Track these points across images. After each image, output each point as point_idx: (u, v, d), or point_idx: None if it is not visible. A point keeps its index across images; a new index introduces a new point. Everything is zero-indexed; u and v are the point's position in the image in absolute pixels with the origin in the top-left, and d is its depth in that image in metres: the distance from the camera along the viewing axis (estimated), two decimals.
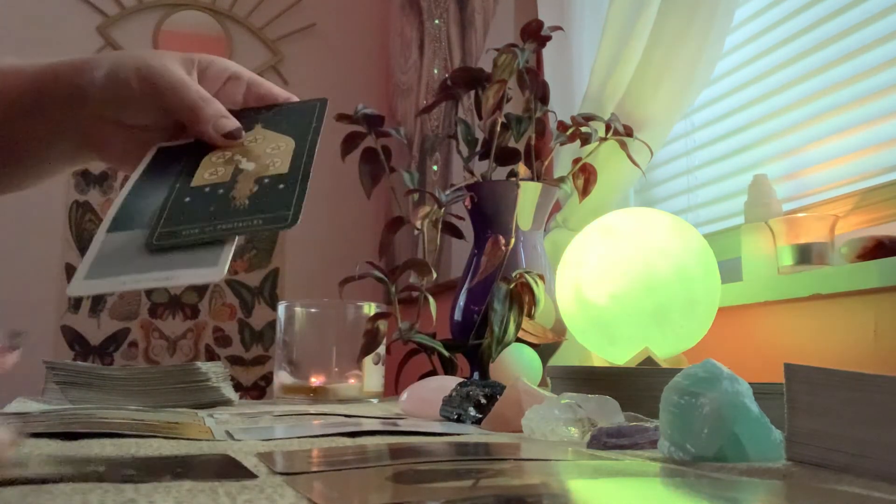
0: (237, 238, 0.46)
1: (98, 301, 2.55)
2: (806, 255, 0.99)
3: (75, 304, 2.52)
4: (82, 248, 2.54)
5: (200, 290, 2.64)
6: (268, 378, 2.62)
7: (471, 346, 1.11)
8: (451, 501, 0.30)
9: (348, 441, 0.54)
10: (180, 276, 0.44)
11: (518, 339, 1.04)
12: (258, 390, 2.64)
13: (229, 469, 0.39)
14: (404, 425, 0.66)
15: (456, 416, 0.71)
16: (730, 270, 1.10)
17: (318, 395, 1.06)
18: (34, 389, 0.98)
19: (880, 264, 0.87)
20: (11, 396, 0.95)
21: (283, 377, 1.09)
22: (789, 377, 0.42)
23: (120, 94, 0.55)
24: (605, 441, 0.51)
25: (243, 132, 0.55)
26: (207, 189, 0.50)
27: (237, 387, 1.11)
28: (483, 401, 0.70)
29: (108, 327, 2.55)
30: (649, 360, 0.95)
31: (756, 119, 1.25)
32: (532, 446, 0.52)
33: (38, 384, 0.91)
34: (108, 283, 0.45)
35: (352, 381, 1.08)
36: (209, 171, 0.52)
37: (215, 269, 0.44)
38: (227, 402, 0.92)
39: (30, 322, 2.45)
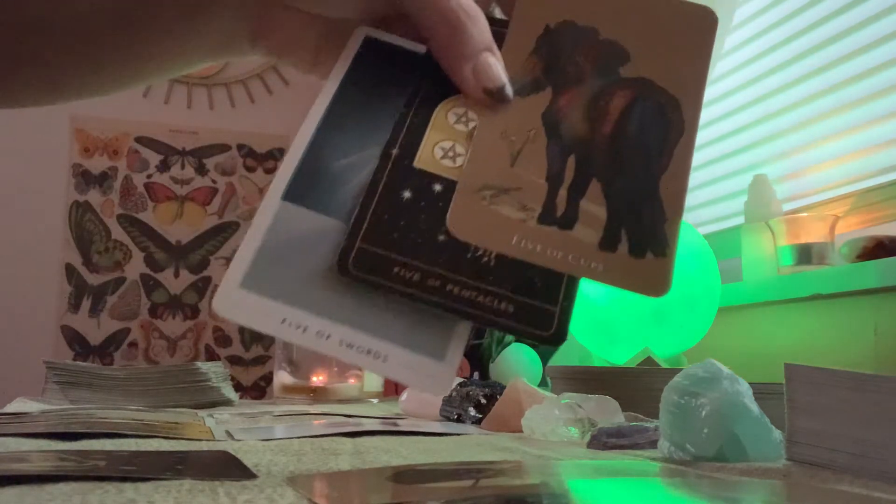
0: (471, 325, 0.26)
1: (98, 300, 2.54)
2: (806, 255, 0.99)
3: (75, 303, 2.52)
4: (82, 249, 2.53)
5: (201, 289, 2.64)
6: (268, 378, 2.61)
7: (471, 346, 1.11)
8: (451, 501, 0.30)
9: (348, 441, 0.54)
10: (392, 358, 0.25)
11: (518, 340, 1.04)
12: (258, 390, 2.64)
13: (229, 469, 0.39)
14: (404, 425, 0.66)
15: (456, 416, 0.71)
16: (730, 270, 1.10)
17: (318, 395, 1.06)
18: (34, 389, 0.98)
19: (880, 264, 0.87)
20: (11, 396, 0.95)
21: (283, 377, 1.09)
22: (789, 377, 0.42)
23: None
24: (605, 441, 0.51)
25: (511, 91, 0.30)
26: (438, 187, 0.28)
27: (237, 387, 1.11)
28: (483, 401, 0.70)
29: (108, 327, 2.55)
30: (649, 360, 0.95)
31: (756, 119, 1.25)
32: (532, 446, 0.52)
33: (38, 384, 0.91)
34: (269, 313, 0.26)
35: (352, 381, 1.08)
36: (443, 142, 0.29)
37: (441, 365, 0.25)
38: (227, 402, 0.92)
39: (30, 322, 2.45)
